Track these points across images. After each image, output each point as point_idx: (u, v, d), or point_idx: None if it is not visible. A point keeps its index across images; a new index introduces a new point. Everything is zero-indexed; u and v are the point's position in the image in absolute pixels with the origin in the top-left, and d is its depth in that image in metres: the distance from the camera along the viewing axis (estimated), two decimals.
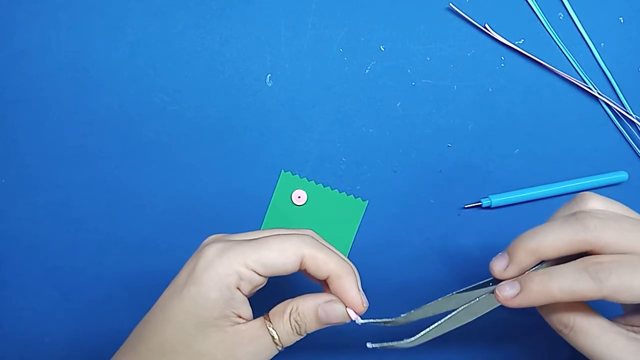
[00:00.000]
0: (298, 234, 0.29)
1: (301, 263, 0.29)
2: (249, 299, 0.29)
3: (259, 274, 0.28)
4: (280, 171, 0.42)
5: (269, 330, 0.28)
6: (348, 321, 0.29)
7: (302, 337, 0.29)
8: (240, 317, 0.28)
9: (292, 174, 0.42)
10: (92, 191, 0.42)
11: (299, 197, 0.42)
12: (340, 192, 0.42)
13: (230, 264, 0.27)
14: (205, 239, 0.31)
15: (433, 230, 0.42)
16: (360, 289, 0.30)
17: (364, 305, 0.29)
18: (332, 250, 0.30)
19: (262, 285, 0.29)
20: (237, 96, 0.42)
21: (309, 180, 0.42)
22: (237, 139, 0.42)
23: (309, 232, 0.32)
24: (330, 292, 0.30)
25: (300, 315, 0.28)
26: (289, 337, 0.28)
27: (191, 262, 0.29)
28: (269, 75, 0.42)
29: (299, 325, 0.28)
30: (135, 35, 0.42)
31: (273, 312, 0.29)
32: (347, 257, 0.42)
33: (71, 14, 0.42)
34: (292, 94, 0.42)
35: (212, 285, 0.27)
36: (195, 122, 0.42)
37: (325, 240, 0.31)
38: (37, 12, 0.42)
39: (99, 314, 0.42)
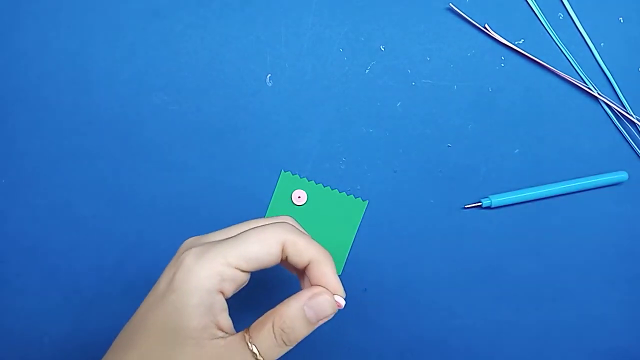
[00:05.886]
0: (277, 222, 0.29)
1: (282, 251, 0.28)
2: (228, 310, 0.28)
3: (242, 270, 0.27)
4: (280, 171, 0.42)
5: (248, 345, 0.26)
6: (335, 311, 0.28)
7: (288, 348, 0.27)
8: (219, 328, 0.27)
9: (292, 174, 0.42)
10: (92, 191, 0.42)
11: (299, 197, 0.42)
12: (340, 192, 0.42)
13: (211, 266, 0.26)
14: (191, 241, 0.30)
15: (433, 230, 0.42)
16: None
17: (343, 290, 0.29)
18: (310, 237, 0.29)
19: (245, 283, 0.29)
20: (237, 96, 0.42)
21: (309, 180, 0.42)
22: (237, 139, 0.42)
23: (287, 218, 0.31)
24: (306, 284, 0.29)
25: (287, 321, 0.27)
26: (273, 351, 0.27)
27: (170, 269, 0.28)
28: (269, 75, 0.42)
29: (286, 333, 0.27)
30: (135, 35, 0.42)
31: (253, 327, 0.27)
32: (347, 257, 0.42)
33: (71, 14, 0.42)
34: (292, 94, 0.42)
35: (193, 291, 0.26)
36: (195, 122, 0.42)
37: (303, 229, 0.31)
38: (37, 12, 0.42)
39: (99, 314, 0.42)
